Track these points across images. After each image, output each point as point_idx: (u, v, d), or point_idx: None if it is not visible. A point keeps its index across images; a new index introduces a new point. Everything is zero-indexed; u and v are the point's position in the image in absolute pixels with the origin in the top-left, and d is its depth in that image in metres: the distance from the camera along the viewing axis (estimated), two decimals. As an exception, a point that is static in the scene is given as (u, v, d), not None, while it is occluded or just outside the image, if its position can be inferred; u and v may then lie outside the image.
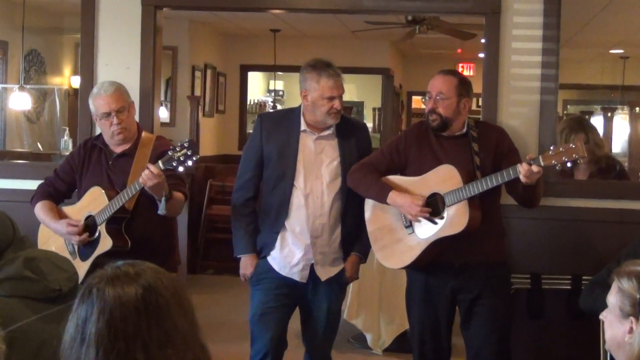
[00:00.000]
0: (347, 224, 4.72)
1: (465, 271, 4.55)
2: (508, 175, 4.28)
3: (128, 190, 4.51)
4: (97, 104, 4.73)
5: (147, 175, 4.30)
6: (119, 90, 4.75)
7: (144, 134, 4.87)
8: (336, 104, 4.58)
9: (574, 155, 4.12)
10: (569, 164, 4.19)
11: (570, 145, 4.15)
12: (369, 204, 4.71)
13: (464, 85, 4.60)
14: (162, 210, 4.43)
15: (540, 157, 4.20)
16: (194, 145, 4.35)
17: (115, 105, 4.70)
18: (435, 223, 4.45)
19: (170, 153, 4.33)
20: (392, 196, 4.54)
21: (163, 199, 4.41)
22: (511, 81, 5.24)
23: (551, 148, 4.20)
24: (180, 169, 4.34)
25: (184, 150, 4.31)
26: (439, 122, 4.55)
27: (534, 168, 4.17)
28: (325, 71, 4.57)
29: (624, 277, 2.86)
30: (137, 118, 4.98)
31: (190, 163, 4.32)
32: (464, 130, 4.61)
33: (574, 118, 6.52)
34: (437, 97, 4.54)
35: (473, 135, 4.59)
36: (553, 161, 4.15)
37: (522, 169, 4.19)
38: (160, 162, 4.34)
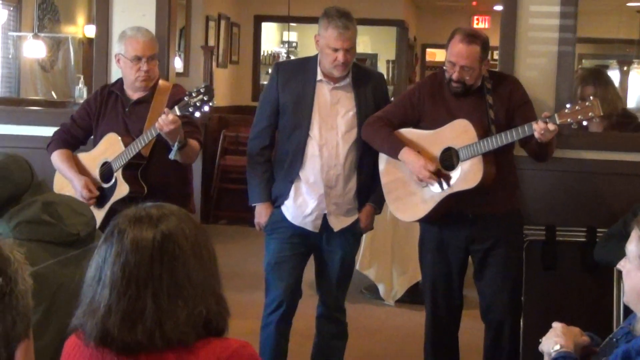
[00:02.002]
0: (362, 175, 4.71)
1: (478, 222, 4.57)
2: (523, 132, 4.27)
3: (144, 136, 4.51)
4: (131, 46, 4.73)
5: (164, 120, 4.30)
6: (154, 39, 4.82)
7: (160, 81, 4.87)
8: (340, 56, 4.52)
9: (589, 114, 4.11)
10: (584, 122, 4.19)
11: (587, 103, 4.13)
12: (383, 156, 4.70)
13: (485, 50, 4.52)
14: (173, 155, 4.43)
15: (556, 115, 4.18)
16: (210, 90, 4.35)
17: (149, 51, 4.74)
18: (445, 187, 4.45)
19: (186, 99, 4.34)
20: (405, 153, 4.53)
21: (177, 144, 4.41)
22: (529, 32, 5.19)
23: (567, 106, 4.19)
24: (197, 114, 4.35)
25: (200, 96, 4.31)
26: (462, 88, 4.51)
27: (550, 126, 4.15)
28: (335, 21, 4.51)
29: (645, 225, 2.84)
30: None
31: (206, 108, 4.33)
32: (479, 83, 4.58)
33: (588, 70, 6.46)
34: (463, 69, 4.46)
35: (487, 87, 4.57)
36: (569, 119, 4.14)
37: (537, 127, 4.17)
38: (176, 108, 4.34)
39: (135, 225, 2.15)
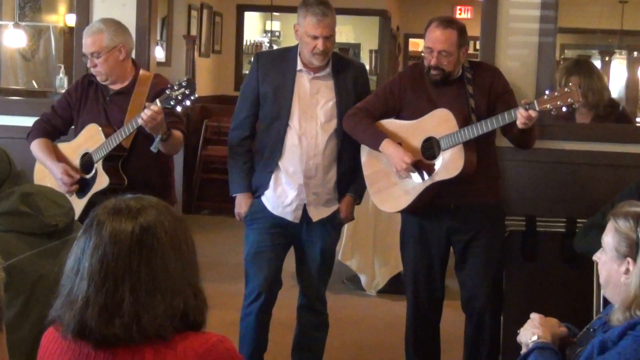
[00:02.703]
0: (343, 165, 4.71)
1: (460, 212, 4.58)
2: (504, 120, 4.28)
3: (125, 128, 4.49)
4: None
5: (148, 114, 4.28)
6: (97, 34, 4.69)
7: (141, 72, 4.83)
8: (319, 43, 4.51)
9: (569, 100, 4.12)
10: (564, 109, 4.20)
11: (565, 89, 4.14)
12: (365, 148, 4.70)
13: (462, 35, 4.54)
14: (155, 147, 4.42)
15: (535, 101, 4.20)
16: (192, 84, 4.33)
17: (87, 49, 4.71)
18: (426, 177, 4.45)
19: (168, 92, 4.31)
20: (385, 145, 4.53)
21: (159, 136, 4.39)
22: (510, 22, 5.19)
23: (546, 92, 4.20)
24: (178, 108, 4.33)
25: (182, 90, 4.29)
26: (442, 75, 4.52)
27: (532, 113, 4.16)
28: (313, 9, 4.51)
29: (621, 217, 2.86)
30: (132, 56, 4.94)
31: (188, 102, 4.32)
32: (459, 73, 4.59)
33: (573, 60, 6.45)
34: (441, 54, 4.48)
35: (468, 77, 4.58)
36: (548, 105, 4.15)
37: (518, 114, 4.18)
38: (157, 101, 4.32)
39: (115, 217, 2.15)
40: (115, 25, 4.75)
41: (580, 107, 5.33)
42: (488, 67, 4.86)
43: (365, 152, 4.70)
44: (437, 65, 4.49)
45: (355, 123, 4.60)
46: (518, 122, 4.20)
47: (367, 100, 4.71)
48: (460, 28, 4.54)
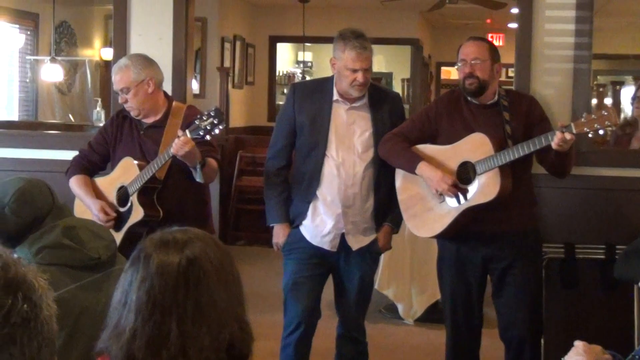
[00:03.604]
0: (380, 195, 4.72)
1: (496, 240, 4.56)
2: (540, 143, 4.27)
3: (158, 160, 4.54)
4: None
5: (177, 143, 4.33)
6: (123, 70, 4.74)
7: (174, 103, 4.88)
8: (359, 76, 4.55)
9: (606, 123, 4.11)
10: (601, 132, 4.18)
11: (603, 112, 4.13)
12: (399, 173, 4.71)
13: (494, 50, 4.63)
14: (199, 177, 4.47)
15: (572, 124, 4.19)
16: (220, 113, 4.37)
17: (116, 85, 4.78)
18: (462, 201, 4.45)
19: (197, 122, 4.35)
20: (422, 167, 4.54)
21: (198, 166, 4.44)
22: (544, 50, 5.20)
23: (584, 115, 4.19)
24: (207, 137, 4.37)
25: (210, 119, 4.34)
26: (477, 85, 4.53)
27: (567, 135, 4.15)
28: (351, 42, 4.55)
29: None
30: (169, 89, 4.99)
31: (216, 131, 4.36)
32: (495, 98, 4.60)
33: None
34: (473, 62, 4.52)
35: (504, 104, 4.58)
36: (585, 128, 4.14)
37: (554, 137, 4.17)
38: (187, 131, 4.36)
39: (161, 249, 2.16)
40: (141, 59, 4.81)
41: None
42: (524, 95, 4.87)
43: (400, 177, 4.71)
44: (471, 72, 4.52)
45: (391, 147, 4.62)
46: (553, 144, 4.18)
47: (403, 125, 4.73)
48: (491, 43, 4.68)
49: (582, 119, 4.16)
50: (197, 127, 4.35)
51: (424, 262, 7.22)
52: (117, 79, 4.75)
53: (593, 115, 4.14)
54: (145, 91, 4.73)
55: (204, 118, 4.35)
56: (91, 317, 2.95)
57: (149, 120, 4.81)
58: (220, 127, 4.35)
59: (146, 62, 4.80)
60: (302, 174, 4.75)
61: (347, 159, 4.65)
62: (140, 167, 4.63)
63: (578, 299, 5.11)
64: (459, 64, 4.60)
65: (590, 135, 4.24)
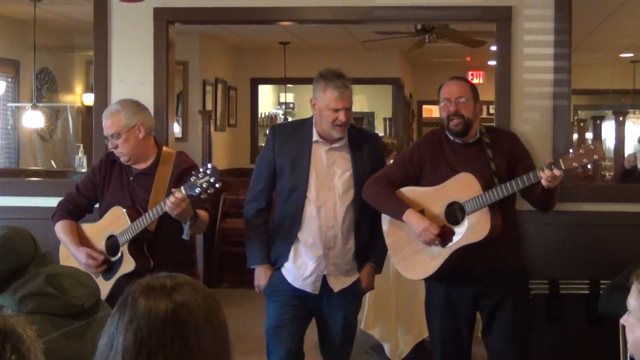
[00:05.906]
0: (361, 235, 4.71)
1: (485, 277, 4.55)
2: (529, 180, 4.28)
3: (151, 213, 4.51)
4: None
5: (173, 202, 4.31)
6: (114, 115, 4.72)
7: (164, 149, 4.86)
8: (341, 115, 4.55)
9: (594, 157, 4.13)
10: (589, 166, 4.21)
11: (590, 146, 4.15)
12: (386, 217, 4.70)
13: (475, 90, 4.66)
14: (186, 235, 4.45)
15: (560, 160, 4.20)
16: (216, 171, 4.31)
17: (107, 131, 4.74)
18: (448, 245, 4.45)
19: (192, 180, 4.30)
20: (408, 215, 4.53)
21: (188, 223, 4.42)
22: (524, 87, 5.24)
23: (570, 151, 4.21)
24: (203, 196, 4.33)
25: (207, 177, 4.28)
26: (463, 124, 4.54)
27: (556, 172, 4.17)
28: (333, 82, 4.55)
29: (645, 279, 2.85)
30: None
31: (212, 190, 4.32)
32: (477, 136, 4.62)
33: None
34: (458, 100, 4.54)
35: (486, 142, 4.60)
36: (574, 163, 4.16)
37: (543, 174, 4.19)
38: (182, 188, 4.33)
39: (149, 294, 2.16)
40: (132, 105, 4.78)
41: None
42: (505, 131, 4.90)
43: (386, 221, 4.70)
44: (457, 111, 4.53)
45: (376, 193, 4.62)
46: (543, 182, 4.20)
47: (386, 169, 4.73)
48: (471, 83, 4.70)
49: (570, 155, 4.18)
50: (193, 185, 4.30)
51: (409, 301, 7.19)
52: (108, 125, 4.72)
53: (581, 150, 4.16)
54: (136, 137, 4.71)
55: (200, 176, 4.29)
56: (75, 365, 2.93)
57: (139, 166, 4.78)
58: (217, 186, 4.30)
59: (137, 107, 4.78)
60: (283, 216, 4.73)
61: (327, 201, 4.64)
62: (131, 217, 4.59)
63: (563, 334, 5.11)
64: (442, 103, 4.62)
65: (578, 170, 4.27)
